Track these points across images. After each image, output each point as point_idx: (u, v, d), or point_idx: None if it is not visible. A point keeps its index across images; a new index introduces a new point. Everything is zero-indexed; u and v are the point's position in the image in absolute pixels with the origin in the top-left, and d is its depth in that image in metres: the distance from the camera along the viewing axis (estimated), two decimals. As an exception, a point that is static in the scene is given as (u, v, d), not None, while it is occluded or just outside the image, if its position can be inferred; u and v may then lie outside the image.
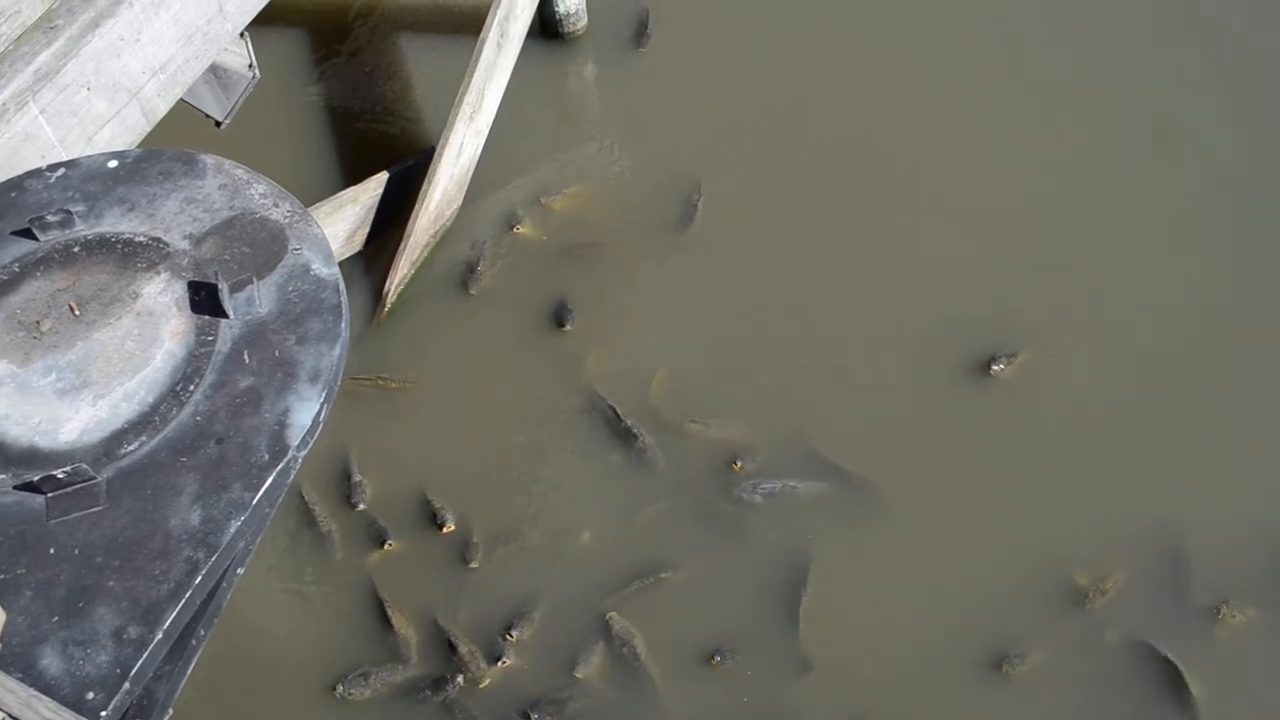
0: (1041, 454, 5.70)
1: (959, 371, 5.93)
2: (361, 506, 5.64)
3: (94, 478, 3.57)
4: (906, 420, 5.79)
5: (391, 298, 6.37)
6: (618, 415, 5.73)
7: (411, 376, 6.13)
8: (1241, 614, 5.18)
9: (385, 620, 5.28)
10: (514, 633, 5.22)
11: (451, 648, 5.16)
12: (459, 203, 6.82)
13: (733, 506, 5.50)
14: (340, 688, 5.04)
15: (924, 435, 5.73)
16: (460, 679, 5.06)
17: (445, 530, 5.52)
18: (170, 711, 3.88)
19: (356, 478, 5.72)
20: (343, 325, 3.95)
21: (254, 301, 3.92)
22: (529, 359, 6.17)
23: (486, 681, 5.09)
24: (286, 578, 5.48)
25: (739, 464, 5.57)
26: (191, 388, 3.79)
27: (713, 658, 5.13)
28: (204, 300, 3.91)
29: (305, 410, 3.75)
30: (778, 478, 5.51)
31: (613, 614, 5.29)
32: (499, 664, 5.15)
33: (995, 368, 5.85)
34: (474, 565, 5.41)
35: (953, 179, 6.70)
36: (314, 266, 4.04)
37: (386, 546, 5.52)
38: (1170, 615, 5.23)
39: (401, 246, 6.39)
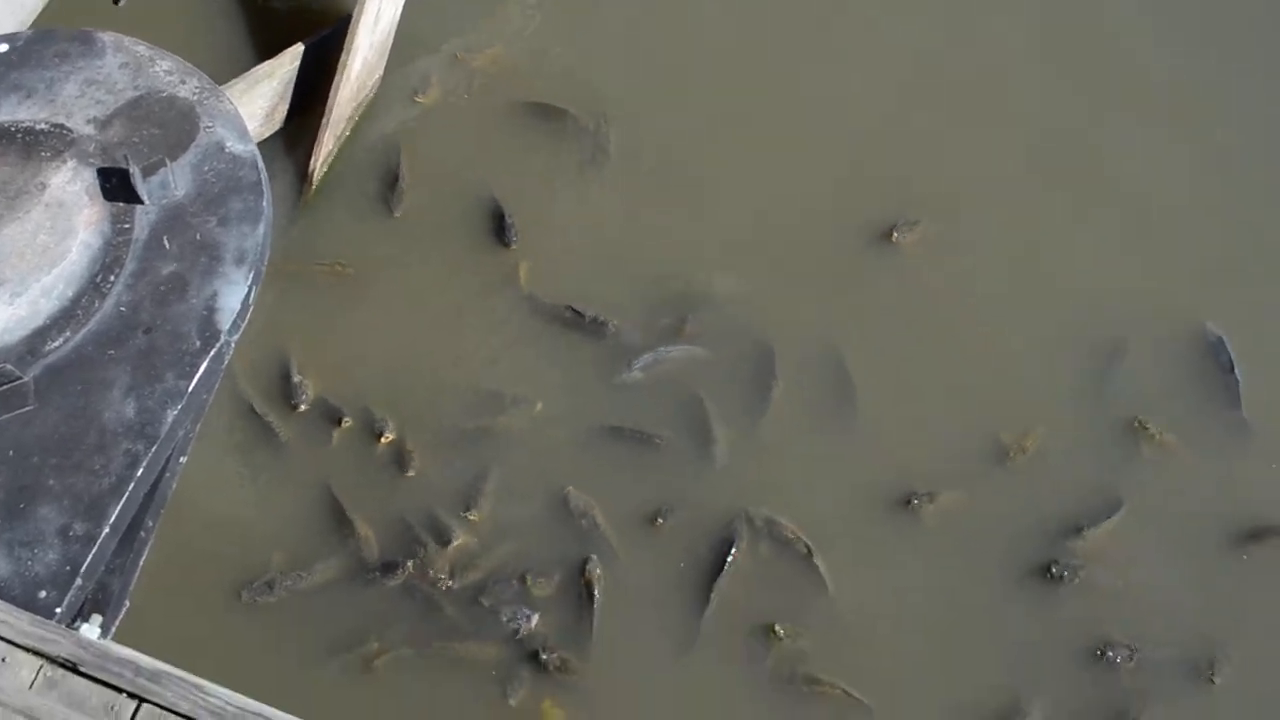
0: (952, 317, 5.73)
1: (862, 239, 5.96)
2: (303, 408, 5.54)
3: (20, 377, 3.47)
4: (813, 284, 5.80)
5: (318, 175, 6.17)
6: (575, 311, 5.69)
7: (348, 260, 5.98)
8: (1161, 434, 5.32)
9: (337, 510, 5.26)
10: (471, 513, 5.23)
11: (407, 535, 5.16)
12: (380, 71, 6.57)
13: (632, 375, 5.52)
14: (245, 594, 4.96)
15: (832, 299, 5.75)
16: (411, 564, 5.05)
17: (384, 440, 5.42)
18: (127, 603, 3.88)
19: (296, 378, 5.62)
20: (264, 203, 3.83)
21: (169, 184, 3.78)
22: (467, 239, 6.05)
23: (443, 564, 5.09)
24: (235, 470, 5.44)
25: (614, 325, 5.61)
26: (112, 278, 3.67)
27: (655, 519, 5.19)
28: (116, 187, 3.76)
29: (233, 293, 3.65)
30: (650, 350, 5.54)
31: (570, 488, 5.31)
32: (452, 545, 5.16)
33: (896, 235, 5.86)
34: (411, 474, 5.35)
35: (857, 47, 6.58)
36: (229, 144, 3.89)
37: (344, 423, 5.48)
38: (1089, 460, 5.36)
39: (324, 121, 6.16)
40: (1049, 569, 5.01)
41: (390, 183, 6.14)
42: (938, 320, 5.74)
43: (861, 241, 5.97)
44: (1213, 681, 4.78)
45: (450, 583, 5.04)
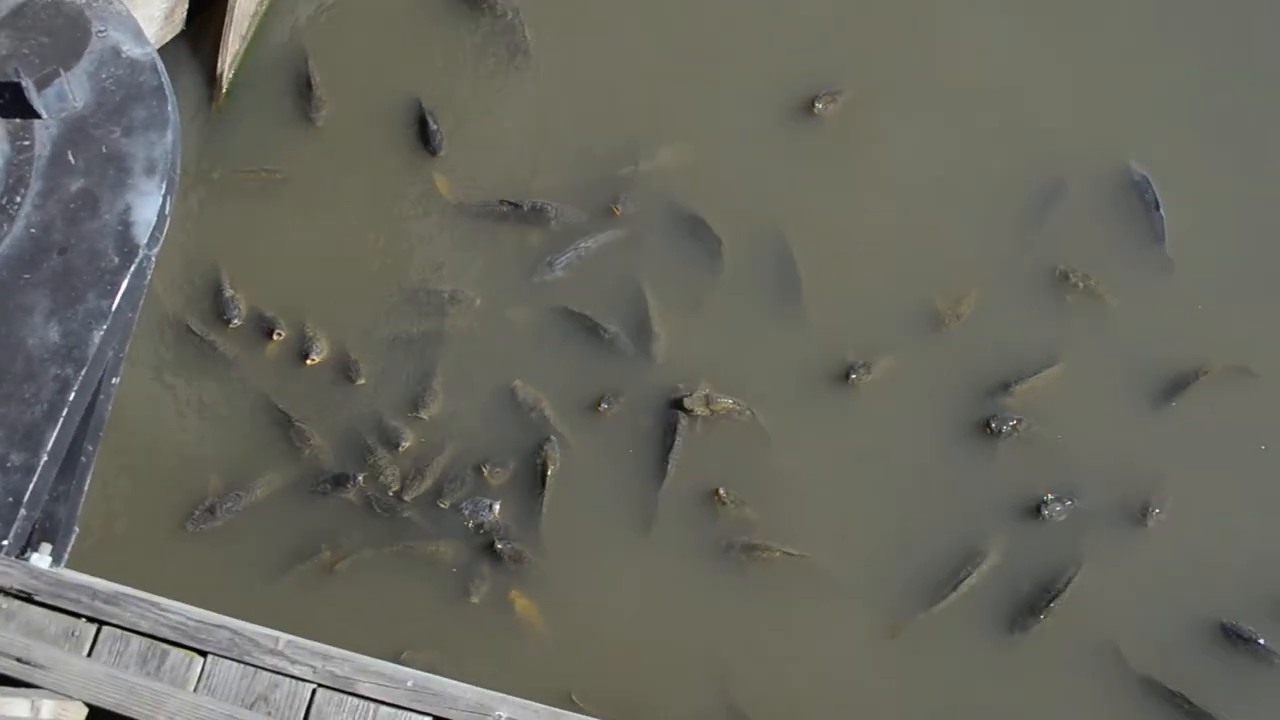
0: (880, 185, 5.70)
1: (788, 113, 5.87)
2: (236, 322, 5.41)
3: (-67, 308, 3.35)
4: (743, 160, 5.73)
5: (228, 78, 5.93)
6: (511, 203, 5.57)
7: (275, 165, 5.79)
8: (1091, 283, 5.38)
9: (283, 423, 5.19)
10: (421, 412, 5.19)
11: (357, 443, 5.11)
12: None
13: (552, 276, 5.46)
14: (189, 525, 4.89)
15: (763, 174, 5.68)
16: (362, 476, 5.00)
17: (311, 362, 5.30)
18: (76, 530, 3.82)
19: (229, 292, 5.47)
20: (170, 109, 3.67)
21: (66, 96, 3.60)
22: (393, 143, 5.87)
23: (394, 470, 5.05)
24: (173, 390, 5.34)
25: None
26: (18, 199, 3.52)
27: (599, 404, 5.18)
28: (9, 102, 3.57)
29: (147, 205, 3.52)
30: (571, 246, 5.48)
31: (518, 381, 5.28)
32: (402, 447, 5.12)
33: (819, 106, 5.77)
34: (361, 382, 5.27)
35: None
36: (125, 48, 3.70)
37: (276, 336, 5.36)
38: (1022, 317, 5.41)
39: (227, 20, 5.88)
40: (988, 425, 5.09)
41: (304, 88, 5.92)
42: (866, 190, 5.71)
43: (788, 115, 5.88)
44: (1145, 523, 4.92)
45: (402, 487, 5.02)
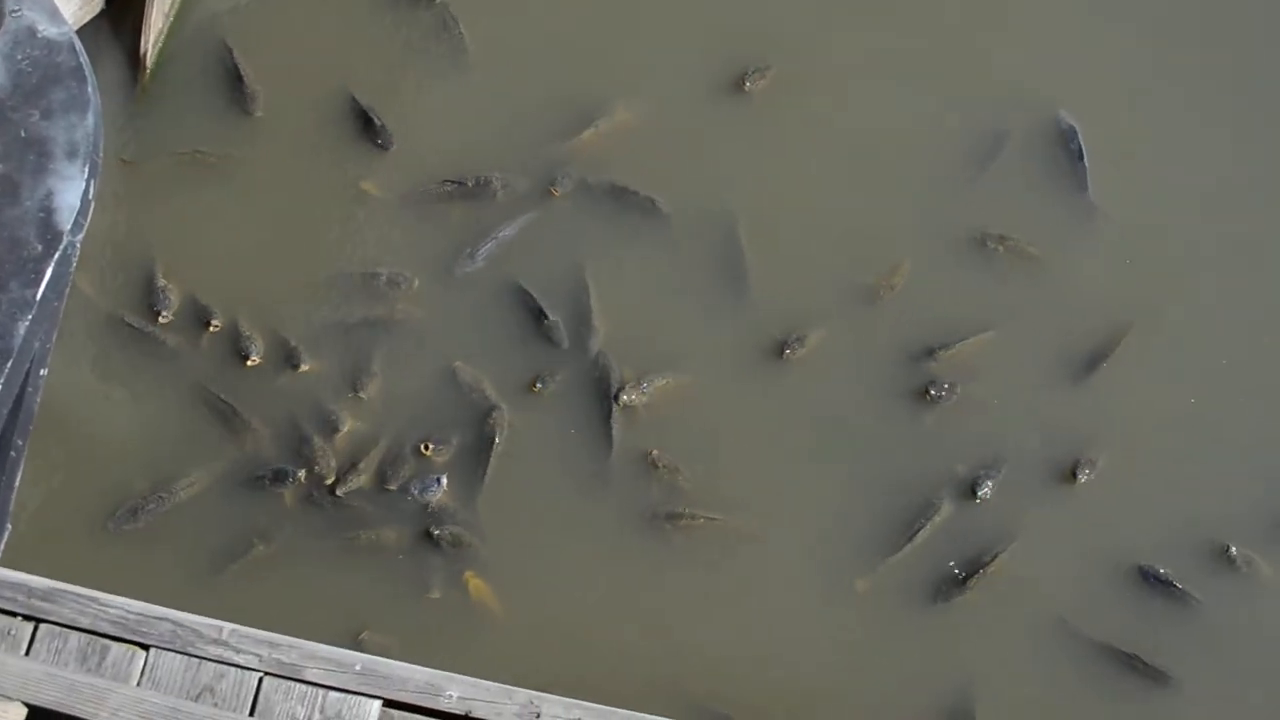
0: (812, 159, 5.71)
1: (719, 90, 5.85)
2: (166, 315, 5.29)
3: None
4: (678, 139, 5.72)
5: (151, 59, 5.75)
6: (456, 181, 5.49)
7: (204, 148, 5.67)
8: (1020, 245, 5.45)
9: (223, 414, 5.10)
10: (361, 393, 5.13)
11: (294, 434, 5.04)
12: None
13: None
14: (110, 525, 4.83)
15: (700, 152, 5.68)
16: (303, 473, 4.94)
17: (251, 364, 5.22)
18: (8, 528, 3.73)
19: (161, 282, 5.35)
20: (90, 90, 3.53)
21: (-23, 73, 3.47)
22: (330, 129, 5.78)
23: (330, 460, 4.99)
24: (108, 381, 5.23)
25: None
26: (-68, 186, 3.39)
27: (534, 384, 5.18)
28: (-84, 81, 3.44)
29: (70, 190, 3.40)
30: (490, 236, 5.46)
31: (458, 363, 5.24)
32: (341, 431, 5.06)
33: (748, 84, 5.78)
34: (304, 368, 5.19)
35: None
36: (40, 28, 3.54)
37: (213, 326, 5.27)
38: (957, 284, 5.47)
39: (148, -2, 5.74)
40: (927, 391, 5.16)
41: (235, 79, 5.80)
42: (799, 164, 5.74)
43: (718, 92, 5.89)
44: (1075, 479, 5.04)
45: (338, 479, 4.97)
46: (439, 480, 5.05)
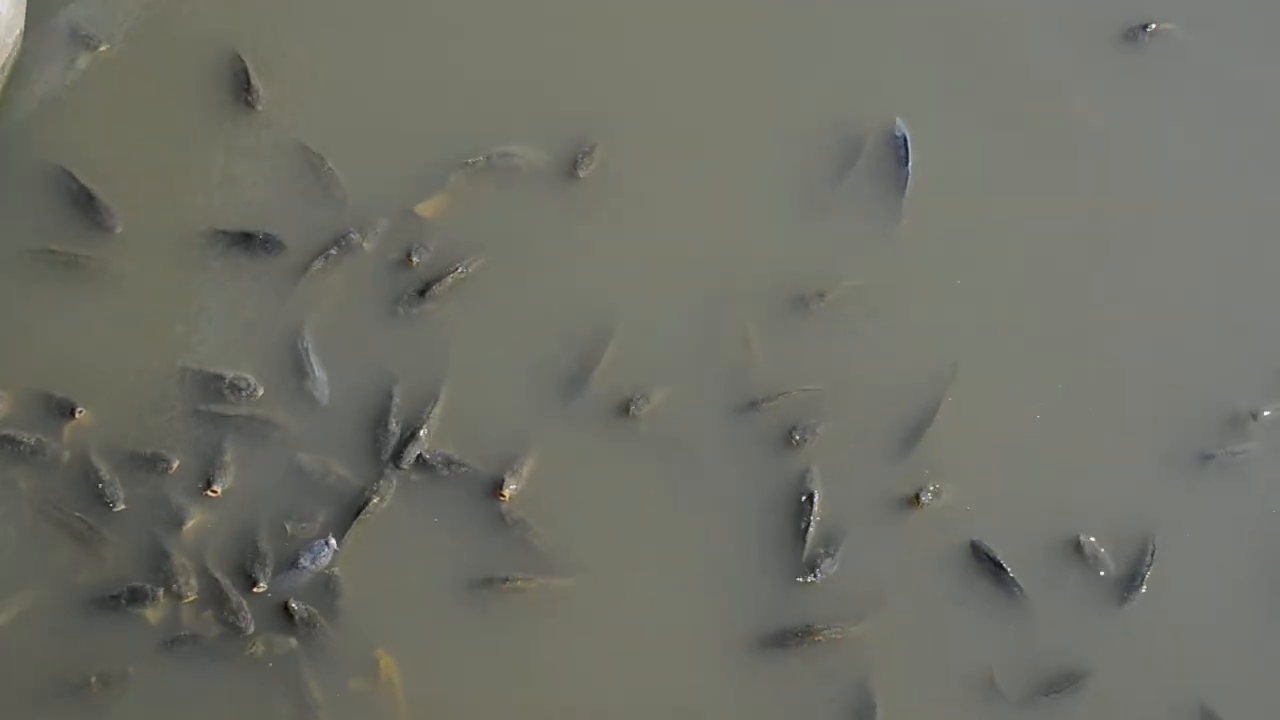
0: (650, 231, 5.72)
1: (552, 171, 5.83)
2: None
3: None
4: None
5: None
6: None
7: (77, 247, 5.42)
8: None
9: (65, 525, 4.87)
10: (216, 486, 4.96)
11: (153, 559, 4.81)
12: (21, 26, 5.86)
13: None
14: None
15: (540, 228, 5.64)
16: (161, 591, 4.71)
17: (115, 510, 4.99)
18: None
19: None
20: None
21: None
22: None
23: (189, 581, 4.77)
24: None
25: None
26: None
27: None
28: None
29: None
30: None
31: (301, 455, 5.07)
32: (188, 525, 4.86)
33: (581, 172, 5.63)
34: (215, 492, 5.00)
35: None
36: None
37: (78, 415, 5.04)
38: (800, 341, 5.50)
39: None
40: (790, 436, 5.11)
41: (84, 198, 5.57)
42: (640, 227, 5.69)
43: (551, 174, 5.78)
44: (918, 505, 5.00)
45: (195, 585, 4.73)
46: (327, 542, 4.81)
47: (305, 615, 4.68)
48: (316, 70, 5.93)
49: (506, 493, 4.99)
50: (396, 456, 5.06)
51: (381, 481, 4.94)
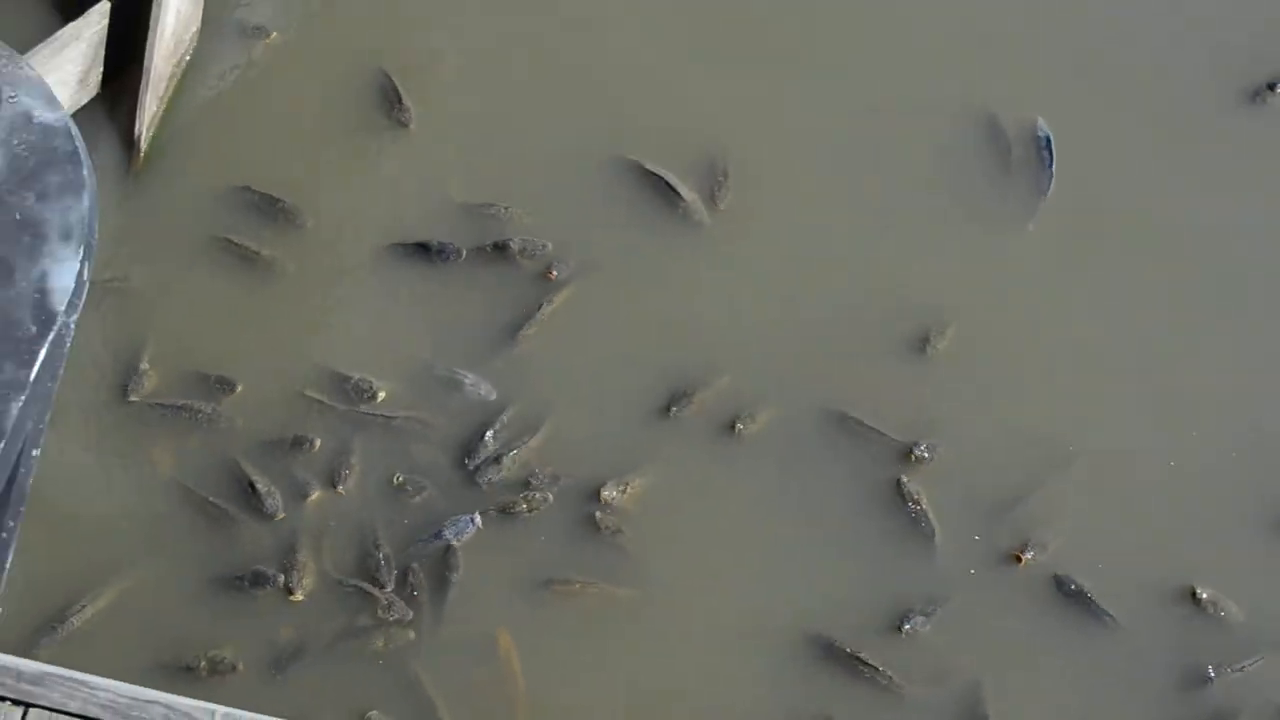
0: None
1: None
2: (134, 398, 5.30)
3: None
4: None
5: (145, 142, 5.84)
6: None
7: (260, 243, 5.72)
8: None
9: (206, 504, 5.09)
10: (339, 487, 5.15)
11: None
12: (198, 23, 6.23)
13: None
14: (44, 642, 4.70)
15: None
16: (281, 576, 4.87)
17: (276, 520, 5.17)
18: (1, 609, 3.70)
19: (143, 365, 5.36)
20: (85, 173, 3.58)
21: (-26, 161, 3.52)
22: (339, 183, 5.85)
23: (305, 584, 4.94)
24: (101, 465, 5.21)
25: None
26: (-73, 269, 3.41)
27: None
28: (-85, 169, 3.48)
29: (64, 272, 3.43)
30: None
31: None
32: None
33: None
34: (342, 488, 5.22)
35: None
36: (37, 113, 3.59)
37: (237, 390, 5.29)
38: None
39: (143, 82, 5.82)
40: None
41: (263, 201, 5.89)
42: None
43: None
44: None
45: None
46: (471, 518, 4.89)
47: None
48: (465, 91, 6.21)
49: (606, 497, 5.09)
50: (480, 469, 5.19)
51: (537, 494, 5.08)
